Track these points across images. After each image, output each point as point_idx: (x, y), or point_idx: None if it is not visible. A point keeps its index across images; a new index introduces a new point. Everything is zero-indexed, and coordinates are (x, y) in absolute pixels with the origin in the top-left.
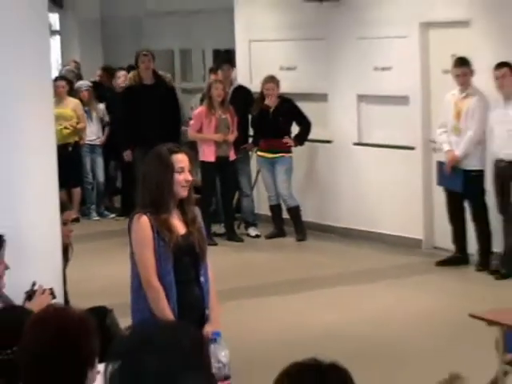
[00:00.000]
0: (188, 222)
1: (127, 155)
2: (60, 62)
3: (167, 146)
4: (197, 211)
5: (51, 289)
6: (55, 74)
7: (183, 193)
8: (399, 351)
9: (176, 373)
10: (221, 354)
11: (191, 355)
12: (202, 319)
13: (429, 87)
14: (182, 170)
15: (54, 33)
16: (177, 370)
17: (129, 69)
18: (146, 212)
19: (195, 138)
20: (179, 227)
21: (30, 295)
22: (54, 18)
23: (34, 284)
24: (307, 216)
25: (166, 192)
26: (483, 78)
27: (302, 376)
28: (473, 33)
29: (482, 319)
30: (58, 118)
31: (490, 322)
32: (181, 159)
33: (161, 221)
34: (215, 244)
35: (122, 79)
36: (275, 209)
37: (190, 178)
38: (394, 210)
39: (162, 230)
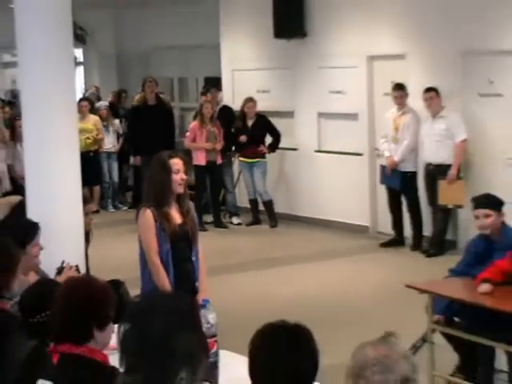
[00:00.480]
0: (184, 213)
1: (136, 160)
2: (83, 86)
3: (166, 152)
4: (191, 204)
5: (77, 265)
6: (79, 96)
7: (180, 189)
8: (349, 314)
9: (175, 332)
10: (209, 317)
11: (187, 318)
12: (194, 289)
13: (373, 106)
14: (178, 171)
15: (78, 64)
16: (175, 330)
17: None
18: (150, 206)
19: (190, 147)
20: (176, 217)
21: (59, 271)
22: (79, 52)
23: (63, 262)
24: (278, 208)
25: (166, 189)
26: (416, 100)
27: (273, 333)
28: (407, 64)
29: (416, 288)
30: (82, 130)
31: (422, 291)
32: (177, 162)
33: (161, 213)
34: (205, 230)
35: (137, 98)
36: (253, 202)
37: (184, 177)
38: (347, 202)
39: (162, 220)
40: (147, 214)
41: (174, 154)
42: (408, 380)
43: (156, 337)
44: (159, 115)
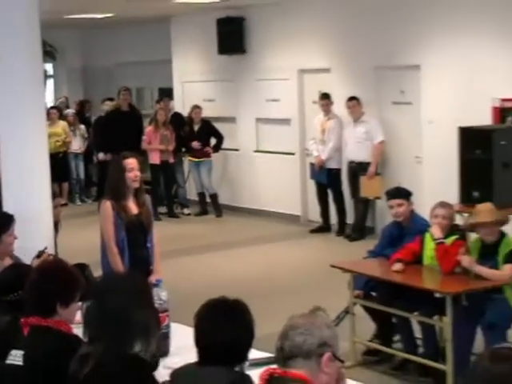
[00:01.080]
0: (140, 205)
1: (107, 157)
2: (53, 96)
3: (122, 153)
4: (147, 198)
5: (55, 255)
6: (50, 104)
7: (135, 185)
8: (283, 290)
9: (130, 307)
10: (162, 294)
11: (140, 295)
12: (148, 271)
13: (303, 113)
14: (131, 169)
15: (49, 77)
16: (131, 306)
17: (104, 100)
18: (109, 199)
19: (146, 148)
20: (133, 209)
21: (39, 254)
22: (49, 67)
23: (46, 247)
24: (223, 200)
25: (121, 185)
26: (339, 107)
27: (214, 307)
28: (332, 76)
29: (339, 268)
30: (52, 134)
31: (344, 270)
32: (131, 162)
33: (119, 205)
34: (160, 220)
35: (109, 105)
36: (201, 195)
37: (138, 174)
38: (281, 195)
39: (119, 211)
40: (106, 206)
41: (129, 154)
42: (326, 344)
43: (114, 312)
44: (131, 120)
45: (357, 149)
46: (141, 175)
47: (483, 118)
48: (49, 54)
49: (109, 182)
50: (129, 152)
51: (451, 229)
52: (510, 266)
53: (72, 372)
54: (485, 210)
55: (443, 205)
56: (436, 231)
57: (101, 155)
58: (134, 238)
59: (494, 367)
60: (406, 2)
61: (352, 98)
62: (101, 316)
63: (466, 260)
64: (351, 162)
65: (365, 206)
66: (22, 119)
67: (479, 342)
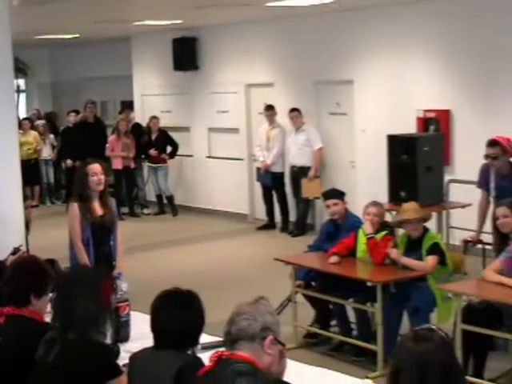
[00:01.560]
0: (104, 206)
1: (76, 164)
2: (26, 109)
3: (87, 160)
4: (112, 200)
5: (27, 251)
6: (23, 116)
7: (99, 188)
8: (232, 281)
9: (78, 298)
10: (123, 286)
11: (91, 288)
12: (112, 266)
13: (250, 123)
14: (95, 174)
15: (21, 91)
16: (77, 298)
17: (69, 112)
18: (76, 201)
19: (110, 155)
20: (98, 210)
21: (15, 251)
22: (22, 82)
23: (21, 245)
24: (178, 201)
25: (85, 188)
26: (282, 117)
27: (168, 297)
28: (275, 90)
29: (282, 261)
30: (24, 143)
31: (287, 262)
32: (94, 167)
33: (84, 206)
34: (123, 219)
35: (73, 117)
36: (158, 197)
37: (101, 178)
38: (231, 196)
39: (85, 212)
40: (73, 208)
41: (93, 160)
42: (268, 328)
43: (75, 300)
44: (96, 130)
45: (298, 155)
46: (105, 179)
47: (409, 127)
48: (21, 70)
49: (75, 185)
50: (93, 158)
51: (381, 225)
52: (432, 258)
53: (39, 356)
54: (410, 209)
55: (374, 204)
56: (368, 227)
57: (68, 162)
58: (99, 236)
59: (416, 346)
60: (340, 25)
61: (294, 110)
62: (56, 304)
63: (394, 253)
64: (293, 167)
65: (306, 205)
66: None
67: (405, 325)
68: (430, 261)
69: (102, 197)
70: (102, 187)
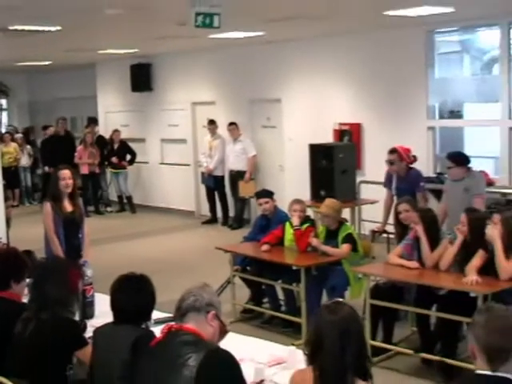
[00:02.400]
0: (73, 205)
1: (50, 170)
2: (7, 124)
3: (58, 166)
4: (79, 199)
5: (7, 244)
6: (4, 130)
7: (67, 190)
8: (181, 268)
9: (46, 283)
10: (88, 272)
11: (58, 274)
12: (80, 256)
13: (196, 134)
14: (64, 178)
15: (3, 110)
16: (47, 282)
17: (47, 126)
18: (49, 200)
19: (78, 162)
20: (68, 208)
21: None
22: (4, 102)
23: (0, 237)
24: (136, 200)
25: (57, 190)
26: (223, 130)
27: (124, 280)
28: (216, 107)
29: (223, 249)
30: (6, 153)
31: (226, 251)
32: (64, 173)
33: (56, 205)
34: (89, 216)
35: (51, 131)
36: (119, 197)
37: (69, 182)
38: (180, 196)
39: (57, 209)
40: (47, 206)
41: (64, 167)
42: (211, 305)
43: (49, 286)
44: (66, 142)
45: (236, 161)
46: (74, 183)
47: (327, 137)
48: (3, 92)
49: (49, 188)
50: (64, 165)
51: (304, 218)
52: (346, 246)
53: (17, 332)
54: (326, 205)
55: (298, 201)
56: (295, 220)
57: (46, 168)
58: (69, 230)
59: (328, 316)
60: (270, 53)
61: (231, 123)
62: (32, 289)
63: (315, 241)
64: (232, 171)
65: (242, 203)
66: None
67: (325, 301)
68: (345, 248)
69: (72, 197)
70: (70, 189)
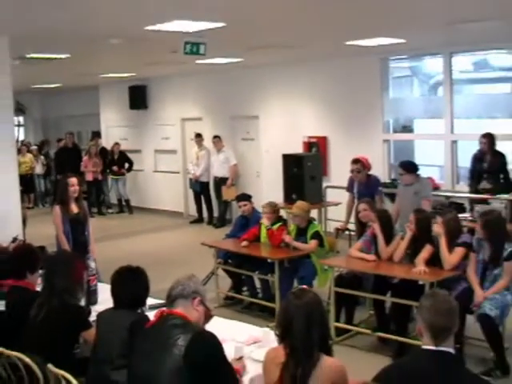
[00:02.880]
0: (79, 207)
1: (58, 177)
2: (24, 137)
3: (67, 174)
4: (84, 202)
5: (24, 240)
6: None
7: (75, 195)
8: (173, 261)
9: (55, 274)
10: (92, 264)
11: (66, 267)
12: (87, 251)
13: (185, 146)
14: (73, 185)
15: (21, 125)
16: (56, 273)
17: (59, 139)
18: (58, 204)
19: (84, 170)
20: (74, 209)
21: (14, 240)
22: (21, 119)
23: (17, 235)
24: (133, 203)
25: (65, 195)
26: (208, 142)
27: (122, 271)
28: (203, 122)
29: (208, 245)
30: (22, 162)
31: (211, 246)
32: (72, 180)
33: (64, 208)
34: (93, 217)
35: (63, 143)
36: (119, 200)
37: (77, 188)
38: (171, 199)
39: (64, 211)
40: (56, 209)
41: (72, 175)
42: (197, 292)
43: (48, 276)
44: (74, 153)
45: (219, 169)
46: (80, 189)
47: (298, 148)
48: (21, 110)
49: (58, 193)
50: (72, 173)
51: (277, 218)
52: (314, 241)
53: (32, 316)
54: (297, 207)
55: (267, 204)
56: (265, 221)
57: (58, 176)
58: (75, 229)
59: (295, 300)
60: (249, 76)
61: (215, 136)
62: (44, 278)
63: (288, 238)
64: (216, 177)
65: (225, 205)
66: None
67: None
68: (313, 244)
69: (78, 201)
70: (76, 194)
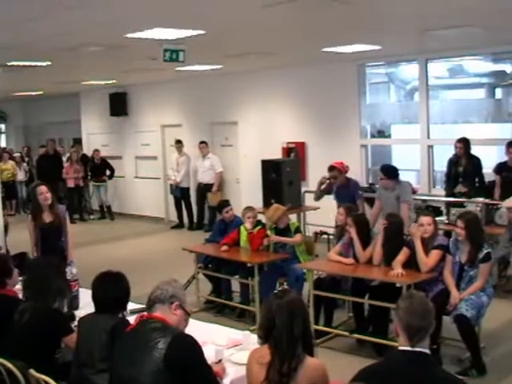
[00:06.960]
0: (53, 214)
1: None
2: (6, 145)
3: (36, 183)
4: (61, 207)
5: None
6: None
7: (46, 202)
8: (153, 265)
9: (50, 277)
10: (73, 270)
11: (56, 270)
12: (64, 256)
13: (165, 152)
14: (42, 193)
15: (3, 133)
16: (51, 276)
17: (41, 146)
18: (30, 213)
19: (65, 177)
20: (47, 217)
21: None
22: (3, 126)
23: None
24: (115, 209)
25: (37, 204)
26: (188, 148)
27: (103, 276)
28: (183, 129)
29: (188, 250)
30: (5, 169)
31: (191, 251)
32: (41, 188)
33: (36, 216)
34: (75, 223)
35: (44, 150)
36: (100, 207)
37: (47, 195)
38: (152, 204)
39: (37, 219)
40: (28, 218)
41: (40, 183)
42: (175, 297)
43: (39, 280)
44: (55, 160)
45: (204, 175)
46: (52, 196)
47: (276, 154)
48: (2, 117)
49: (32, 202)
50: (40, 182)
51: (256, 222)
52: (299, 235)
53: (15, 320)
54: (272, 209)
55: (250, 209)
56: (248, 225)
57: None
58: (49, 236)
59: (278, 300)
60: (227, 83)
61: (202, 142)
62: (30, 282)
63: (274, 237)
64: (200, 183)
65: (213, 210)
66: None
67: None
68: (298, 237)
69: (51, 207)
70: (49, 202)
